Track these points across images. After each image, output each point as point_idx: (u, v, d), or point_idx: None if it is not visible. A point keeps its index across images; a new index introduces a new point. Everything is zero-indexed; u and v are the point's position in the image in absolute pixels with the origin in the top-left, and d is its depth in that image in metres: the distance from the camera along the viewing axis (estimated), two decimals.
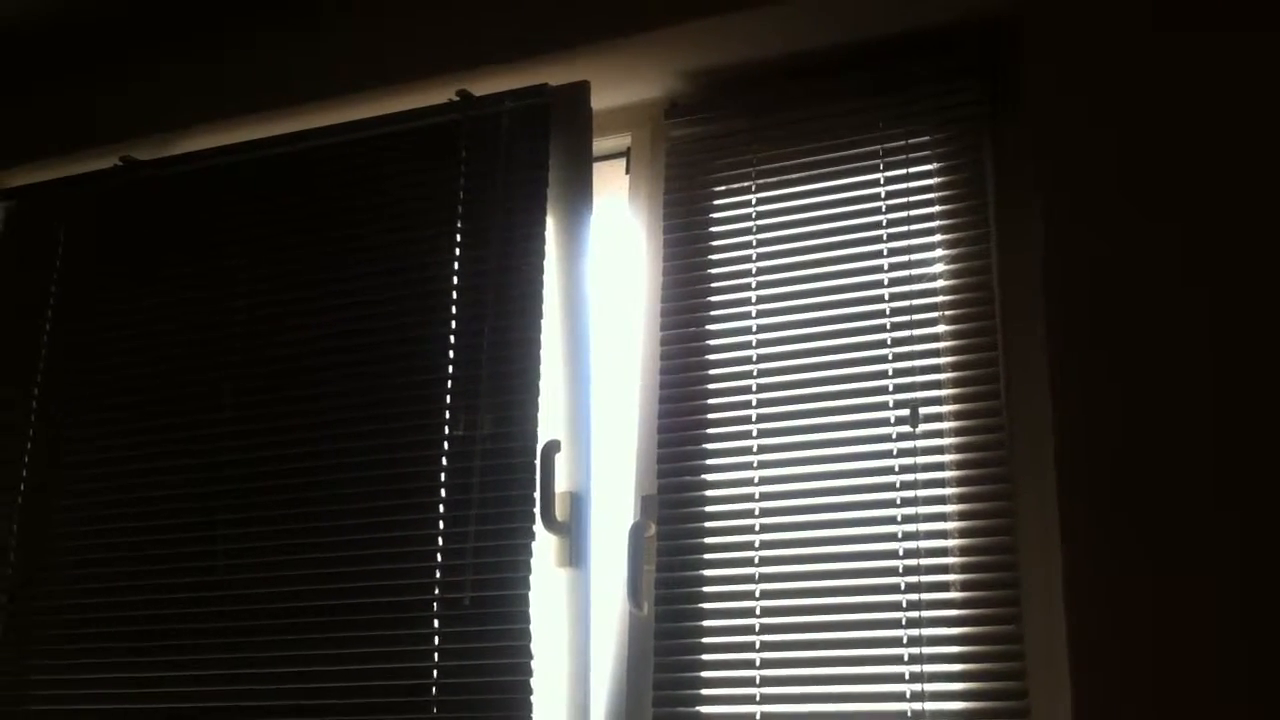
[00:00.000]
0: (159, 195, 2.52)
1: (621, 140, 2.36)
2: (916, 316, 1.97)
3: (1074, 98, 1.85)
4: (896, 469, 1.91)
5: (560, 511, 2.07)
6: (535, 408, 2.09)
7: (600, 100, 2.28)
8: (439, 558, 2.08)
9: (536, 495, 2.05)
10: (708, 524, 2.00)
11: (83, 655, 2.28)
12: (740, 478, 2.00)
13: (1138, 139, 1.80)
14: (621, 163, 2.35)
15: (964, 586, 1.83)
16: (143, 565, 2.28)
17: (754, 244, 2.12)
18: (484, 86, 2.30)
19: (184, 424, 2.33)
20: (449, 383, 2.17)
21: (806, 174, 2.12)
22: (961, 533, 1.85)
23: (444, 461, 2.13)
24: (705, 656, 1.93)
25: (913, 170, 2.05)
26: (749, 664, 1.90)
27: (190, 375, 2.36)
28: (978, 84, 2.04)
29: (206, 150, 2.50)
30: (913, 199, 2.03)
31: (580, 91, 2.24)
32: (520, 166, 2.24)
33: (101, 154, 2.58)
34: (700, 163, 2.20)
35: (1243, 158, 1.74)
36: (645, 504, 2.07)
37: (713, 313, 2.11)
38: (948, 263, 1.99)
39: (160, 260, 2.47)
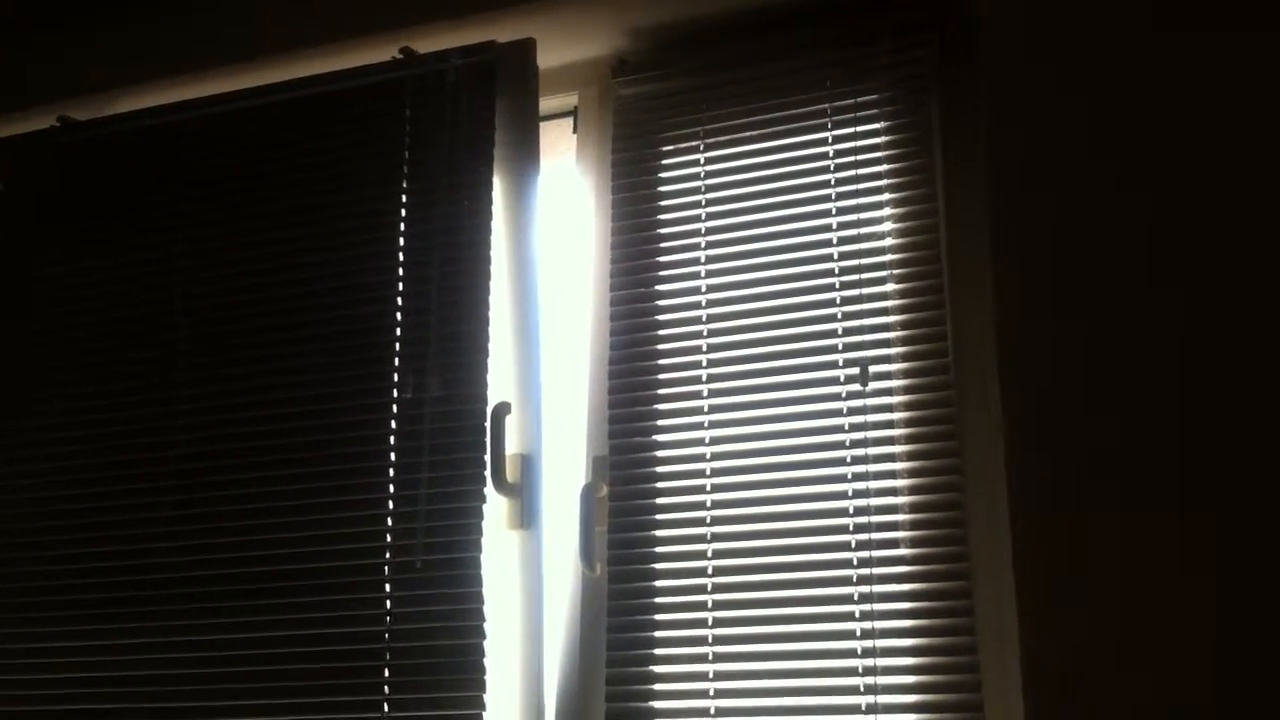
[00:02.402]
0: (98, 155, 2.47)
1: (569, 99, 2.33)
2: (865, 275, 1.97)
3: (1026, 55, 1.85)
4: (846, 427, 1.92)
5: (511, 473, 2.07)
6: (484, 370, 2.08)
7: (547, 58, 2.26)
8: (389, 521, 2.07)
9: (487, 458, 2.04)
10: (659, 484, 2.00)
11: (29, 625, 2.25)
12: (691, 438, 2.00)
13: (1089, 97, 1.80)
14: (569, 122, 2.33)
15: (913, 543, 1.84)
16: (87, 534, 2.25)
17: (703, 203, 2.11)
18: (428, 44, 2.27)
19: (128, 389, 2.30)
20: (396, 345, 2.15)
21: (755, 133, 2.11)
22: (911, 490, 1.87)
23: (393, 425, 2.11)
24: (658, 616, 1.94)
25: (861, 129, 2.05)
26: (702, 623, 1.91)
27: (133, 339, 2.32)
28: (926, 42, 2.04)
29: (146, 110, 2.45)
30: (861, 158, 2.03)
31: (526, 49, 2.22)
32: (466, 125, 2.21)
33: (39, 114, 2.52)
34: (648, 122, 2.18)
35: (1195, 106, 1.75)
36: (596, 465, 2.07)
37: (662, 272, 2.10)
38: (896, 221, 1.99)
39: (102, 221, 2.42)
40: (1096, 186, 1.77)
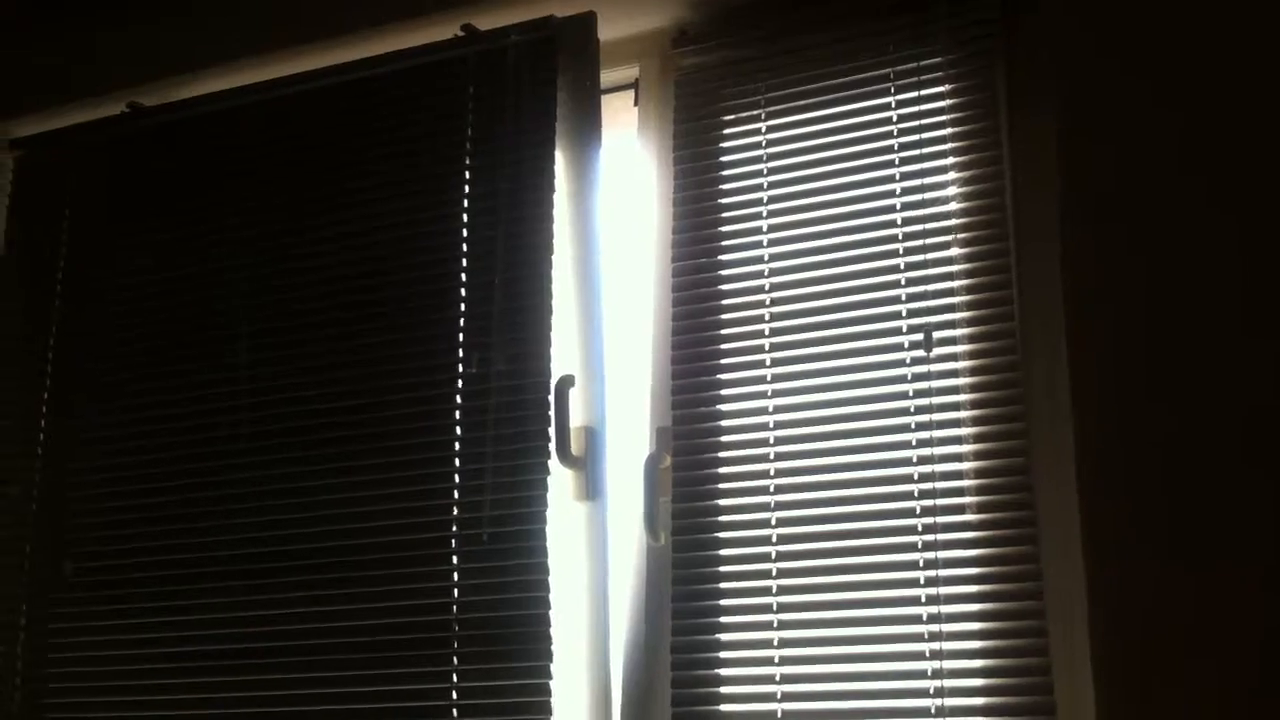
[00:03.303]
0: (167, 140, 2.51)
1: (629, 71, 2.33)
2: (930, 240, 1.95)
3: (1089, 6, 1.82)
4: (911, 394, 1.90)
5: (576, 446, 2.08)
6: (548, 343, 2.09)
7: (607, 31, 2.25)
8: (456, 495, 2.09)
9: (551, 430, 2.05)
10: (722, 454, 1.99)
11: (101, 603, 2.31)
12: (754, 407, 1.99)
13: (1157, 46, 1.77)
14: (630, 94, 2.33)
15: (980, 509, 1.82)
16: (162, 511, 2.30)
17: (765, 172, 2.10)
18: (489, 20, 2.28)
19: (199, 368, 2.34)
20: (461, 320, 2.16)
21: (817, 100, 2.09)
22: (977, 455, 1.84)
23: (458, 400, 2.13)
24: (723, 585, 1.93)
25: (924, 93, 2.02)
26: (766, 591, 1.90)
27: (204, 319, 2.36)
28: (989, 2, 2.00)
29: (213, 94, 2.49)
30: (925, 122, 2.01)
31: (586, 22, 2.22)
32: (528, 100, 2.22)
33: (108, 101, 2.57)
34: (709, 92, 2.17)
35: (1269, 46, 1.70)
36: (660, 436, 2.07)
37: (724, 242, 2.09)
38: (961, 185, 1.96)
39: (171, 206, 2.46)
40: (1170, 144, 1.73)
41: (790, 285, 2.02)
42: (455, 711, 2.01)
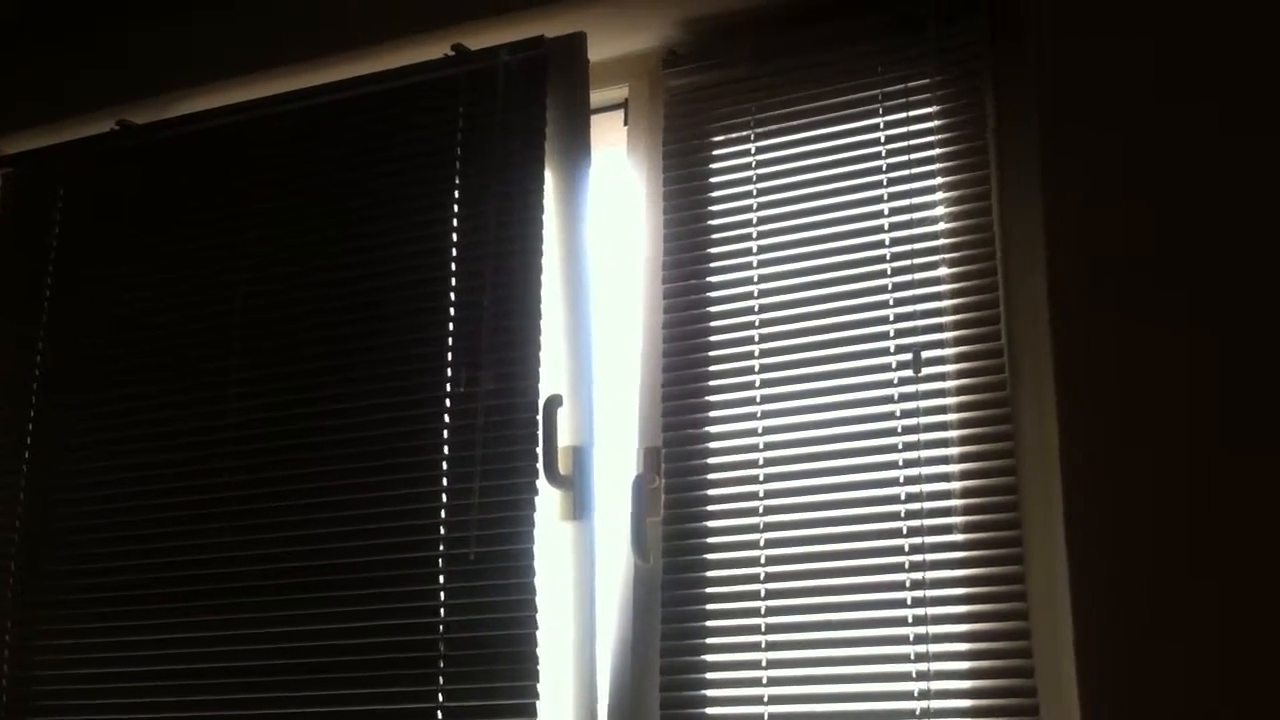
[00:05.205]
0: (156, 158, 2.51)
1: (619, 91, 2.33)
2: (918, 261, 1.95)
3: (1074, 26, 1.82)
4: (899, 414, 1.90)
5: (564, 466, 2.07)
6: (536, 363, 2.08)
7: (597, 51, 2.26)
8: (443, 514, 2.09)
9: (539, 450, 2.04)
10: (711, 475, 1.99)
11: (87, 620, 2.30)
12: (743, 428, 1.99)
13: (1143, 66, 1.77)
14: (620, 114, 2.33)
15: (967, 529, 1.82)
16: (148, 529, 2.29)
17: (754, 193, 2.10)
18: (479, 40, 2.28)
19: (187, 385, 2.33)
20: (449, 340, 2.16)
21: (806, 121, 2.09)
22: (964, 475, 1.84)
23: (446, 419, 2.12)
24: (711, 606, 1.93)
25: (912, 114, 2.03)
26: (754, 612, 1.89)
27: (192, 337, 2.36)
28: (977, 24, 2.01)
29: (203, 112, 2.49)
30: (913, 143, 2.01)
31: (577, 43, 2.23)
32: (518, 120, 2.22)
33: (98, 118, 2.57)
34: (699, 112, 2.18)
35: (1255, 69, 1.71)
36: (648, 456, 2.07)
37: (713, 263, 2.09)
38: (949, 206, 1.97)
39: (159, 224, 2.46)
40: (1154, 163, 1.73)
41: (779, 305, 2.02)
42: None
